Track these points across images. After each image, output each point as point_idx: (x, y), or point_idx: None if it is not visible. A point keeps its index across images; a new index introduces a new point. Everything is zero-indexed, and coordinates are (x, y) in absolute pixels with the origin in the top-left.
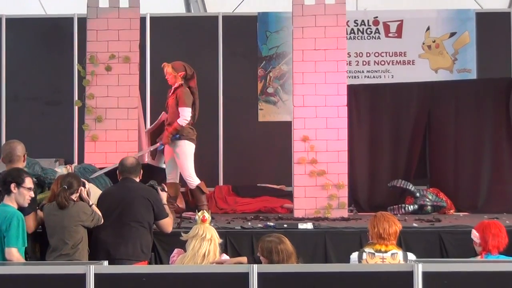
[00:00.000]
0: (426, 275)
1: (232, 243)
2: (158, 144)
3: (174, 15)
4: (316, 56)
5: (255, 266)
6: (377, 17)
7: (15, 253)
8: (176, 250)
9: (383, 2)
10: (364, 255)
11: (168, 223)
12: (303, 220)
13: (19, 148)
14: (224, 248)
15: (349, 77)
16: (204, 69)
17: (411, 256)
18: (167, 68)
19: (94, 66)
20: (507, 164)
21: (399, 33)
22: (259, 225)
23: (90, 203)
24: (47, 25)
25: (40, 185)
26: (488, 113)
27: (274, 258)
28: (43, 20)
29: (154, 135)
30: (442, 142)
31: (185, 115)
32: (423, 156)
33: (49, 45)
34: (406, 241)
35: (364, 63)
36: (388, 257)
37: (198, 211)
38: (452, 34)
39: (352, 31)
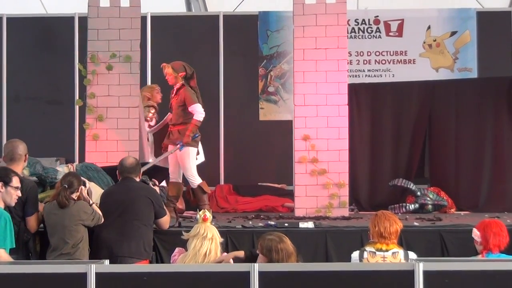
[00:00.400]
0: (427, 274)
1: (233, 242)
2: (178, 146)
3: (175, 14)
4: (317, 55)
5: (256, 265)
6: (378, 16)
7: (2, 254)
8: (177, 249)
9: (384, 1)
10: (365, 254)
11: (166, 221)
12: (304, 219)
13: (21, 148)
14: (225, 247)
15: (350, 76)
16: (204, 68)
17: (412, 255)
18: (167, 69)
19: (95, 65)
20: (508, 163)
21: (400, 32)
22: (260, 224)
23: (91, 202)
24: (48, 24)
25: (42, 184)
26: (489, 112)
27: (273, 257)
28: (44, 19)
29: (158, 136)
30: (443, 141)
31: (199, 110)
32: (424, 155)
33: (50, 44)
34: (407, 240)
35: (365, 62)
36: (389, 256)
37: (199, 210)
38: (453, 33)
39: (353, 30)
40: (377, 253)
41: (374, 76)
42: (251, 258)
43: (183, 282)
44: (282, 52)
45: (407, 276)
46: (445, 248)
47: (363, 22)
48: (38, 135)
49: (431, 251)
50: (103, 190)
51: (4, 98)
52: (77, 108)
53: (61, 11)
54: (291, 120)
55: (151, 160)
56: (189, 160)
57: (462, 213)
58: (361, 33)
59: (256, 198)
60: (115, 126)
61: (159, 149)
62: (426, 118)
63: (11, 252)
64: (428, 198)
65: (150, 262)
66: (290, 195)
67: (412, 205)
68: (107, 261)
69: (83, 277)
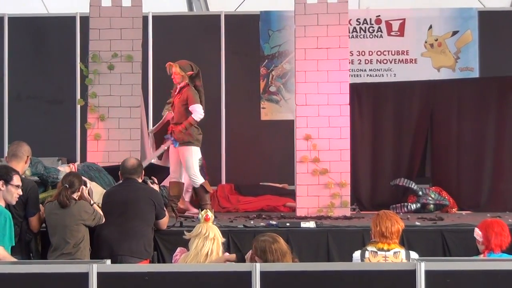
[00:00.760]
0: (428, 274)
1: (234, 242)
2: (170, 141)
3: (176, 14)
4: (319, 54)
5: (258, 265)
6: (379, 15)
7: (1, 251)
8: (179, 249)
9: (386, 1)
10: (367, 254)
11: (165, 222)
12: (305, 218)
13: (25, 148)
14: (227, 247)
15: (352, 76)
16: (206, 67)
17: (413, 254)
18: (175, 68)
19: (97, 65)
20: (510, 163)
21: (401, 31)
22: (262, 224)
23: (92, 202)
24: (50, 24)
25: (43, 184)
26: (491, 111)
27: (268, 258)
28: (45, 19)
29: (158, 135)
30: (444, 141)
31: (199, 111)
32: (425, 155)
33: (51, 44)
34: (408, 240)
35: (367, 61)
36: (391, 256)
37: (201, 210)
38: (455, 33)
39: (354, 30)
40: (379, 252)
41: (376, 75)
42: (242, 261)
43: (184, 282)
44: (284, 51)
45: (409, 275)
46: (447, 248)
47: (365, 22)
48: (40, 134)
49: (432, 251)
50: (104, 190)
51: (6, 98)
52: (78, 107)
53: (62, 11)
54: (293, 120)
55: (153, 160)
56: (191, 159)
57: (463, 212)
58: (362, 32)
59: (258, 198)
60: (116, 126)
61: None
62: (427, 118)
63: (13, 252)
64: (430, 198)
65: (152, 262)
66: (292, 194)
67: (414, 205)
68: (108, 261)
69: (85, 277)
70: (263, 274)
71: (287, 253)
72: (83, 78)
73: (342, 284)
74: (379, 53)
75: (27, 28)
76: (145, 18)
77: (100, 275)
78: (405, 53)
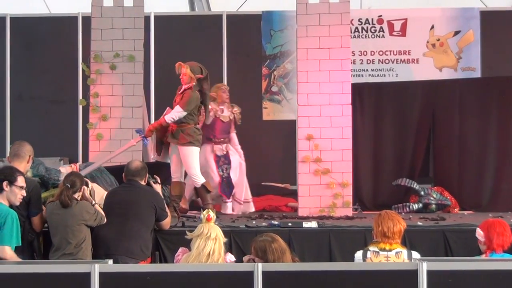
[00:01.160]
0: (430, 274)
1: (236, 242)
2: (139, 137)
3: (178, 14)
4: (320, 54)
5: (260, 264)
6: (381, 15)
7: (8, 251)
8: (180, 249)
9: (387, 1)
10: (369, 254)
11: (167, 223)
12: (307, 218)
13: (27, 148)
14: (229, 247)
15: (354, 76)
16: (208, 68)
17: (415, 254)
18: (185, 69)
19: (99, 65)
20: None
21: (403, 31)
22: (264, 224)
23: (93, 202)
24: (52, 24)
25: (44, 185)
26: (493, 111)
27: (269, 257)
28: (47, 19)
29: (159, 132)
30: (446, 141)
31: (176, 114)
32: (427, 155)
33: (53, 44)
34: (410, 240)
35: (369, 61)
36: (393, 256)
37: (203, 210)
38: (457, 33)
39: (356, 30)
40: (381, 252)
41: (378, 75)
42: None
43: (186, 282)
44: (286, 51)
45: (411, 275)
46: (449, 248)
47: (367, 22)
48: (42, 134)
49: (434, 251)
50: (105, 191)
51: (8, 98)
52: (80, 107)
53: (64, 11)
54: (295, 120)
55: (153, 157)
56: (192, 159)
57: (465, 212)
58: (364, 32)
59: (260, 198)
60: (118, 126)
61: (159, 146)
62: (429, 118)
63: (16, 251)
64: (432, 198)
65: (154, 262)
66: (294, 194)
67: (416, 205)
68: (110, 261)
69: (86, 276)
70: (265, 274)
71: (286, 251)
72: (85, 78)
73: (344, 284)
74: (381, 53)
75: (29, 28)
76: (147, 18)
77: (102, 275)
78: (407, 53)
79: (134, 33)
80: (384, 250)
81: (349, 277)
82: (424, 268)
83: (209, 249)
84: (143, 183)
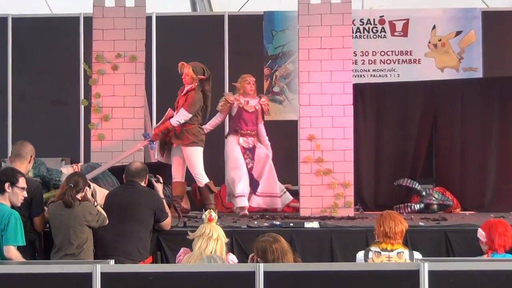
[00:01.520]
0: (432, 274)
1: (238, 242)
2: (146, 141)
3: (180, 14)
4: (322, 55)
5: (261, 265)
6: (383, 16)
7: (13, 251)
8: (182, 249)
9: (389, 1)
10: (370, 254)
11: (167, 223)
12: (309, 219)
13: (29, 148)
14: (231, 247)
15: (355, 76)
16: (209, 68)
17: (417, 255)
18: (187, 70)
19: (100, 65)
20: None
21: (405, 32)
22: (265, 224)
23: (95, 203)
24: (53, 24)
25: (46, 186)
26: (494, 111)
27: (269, 258)
28: (49, 19)
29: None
30: (448, 141)
31: (181, 118)
32: (429, 155)
33: (55, 44)
34: (412, 240)
35: (370, 62)
36: (394, 256)
37: (205, 210)
38: (458, 33)
39: (358, 30)
40: (382, 253)
41: (379, 76)
42: None
43: (188, 282)
44: (287, 52)
45: (412, 276)
46: (450, 248)
47: (368, 22)
48: (43, 135)
49: (436, 251)
50: (107, 191)
51: (10, 98)
52: (82, 108)
53: (66, 11)
54: (296, 120)
55: (156, 157)
56: (196, 159)
57: (467, 213)
58: (366, 33)
59: None
60: (120, 126)
61: (162, 147)
62: (431, 118)
63: (19, 251)
64: (433, 198)
65: (155, 262)
66: (295, 195)
67: (417, 205)
68: (112, 261)
69: (88, 277)
70: (267, 274)
71: (288, 252)
72: (86, 78)
73: (345, 285)
74: (382, 53)
75: (30, 29)
76: (148, 19)
77: (103, 275)
78: (408, 53)
79: (136, 34)
80: (385, 250)
81: (351, 277)
82: (425, 268)
83: (211, 249)
84: (143, 184)
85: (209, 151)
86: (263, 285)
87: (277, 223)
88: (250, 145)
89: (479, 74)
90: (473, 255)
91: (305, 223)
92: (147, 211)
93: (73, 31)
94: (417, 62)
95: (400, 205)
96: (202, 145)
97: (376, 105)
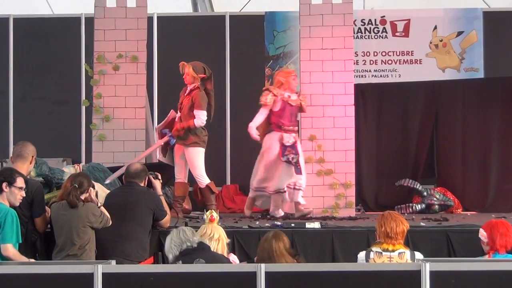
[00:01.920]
0: (433, 274)
1: (239, 243)
2: (167, 137)
3: (181, 14)
4: (323, 55)
5: (263, 265)
6: (384, 16)
7: (10, 249)
8: None
9: (390, 2)
10: (372, 254)
11: (166, 221)
12: (310, 219)
13: (30, 148)
14: (232, 248)
15: (356, 76)
16: (211, 68)
17: (418, 255)
18: (188, 69)
19: (102, 66)
20: None
21: (406, 32)
22: (267, 224)
23: (99, 204)
24: (55, 25)
25: (48, 185)
26: (496, 112)
27: (262, 255)
28: (50, 20)
29: (163, 134)
30: (449, 141)
31: (202, 117)
32: (430, 155)
33: (56, 44)
34: (413, 240)
35: (371, 62)
36: (396, 256)
37: (206, 211)
38: (460, 33)
39: (359, 30)
40: (384, 253)
41: (381, 76)
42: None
43: (189, 282)
44: (289, 52)
45: (414, 276)
46: (452, 248)
47: (370, 22)
48: (45, 135)
49: (437, 251)
50: (108, 191)
51: (11, 98)
52: (83, 108)
53: (67, 11)
54: (298, 121)
55: (159, 157)
56: (198, 160)
57: (468, 213)
58: (367, 33)
59: None
60: (121, 127)
61: (164, 148)
62: (432, 118)
63: (20, 251)
64: (435, 198)
65: (157, 263)
66: None
67: (419, 205)
68: (113, 261)
69: (90, 277)
70: (268, 274)
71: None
72: (88, 79)
73: (347, 285)
74: (384, 53)
75: (32, 29)
76: (150, 19)
77: (105, 275)
78: (410, 54)
79: (137, 34)
80: (387, 250)
81: (352, 277)
82: (427, 268)
83: (212, 249)
84: (142, 185)
85: (210, 151)
86: (265, 285)
87: (279, 223)
88: (292, 141)
89: (480, 74)
90: (475, 256)
91: (306, 223)
92: (146, 211)
93: (74, 31)
94: (418, 62)
95: (402, 206)
96: (204, 146)
97: (377, 105)
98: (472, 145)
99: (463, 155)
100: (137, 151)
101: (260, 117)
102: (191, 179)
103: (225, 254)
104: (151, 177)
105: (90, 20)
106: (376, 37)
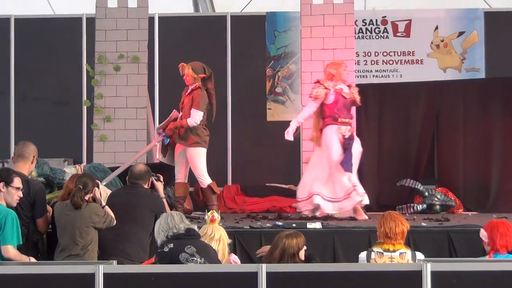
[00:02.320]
0: (434, 275)
1: (240, 243)
2: (160, 137)
3: (182, 14)
4: (325, 55)
5: (264, 265)
6: (385, 16)
7: (11, 250)
8: None
9: (392, 2)
10: (373, 255)
11: None
12: (311, 219)
13: (31, 148)
14: (233, 248)
15: (358, 77)
16: (212, 68)
17: (419, 255)
18: (187, 70)
19: (103, 66)
20: None
21: (407, 32)
22: (268, 224)
23: (103, 204)
24: (56, 25)
25: (49, 185)
26: (497, 112)
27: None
28: (51, 20)
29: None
30: (450, 141)
31: (196, 117)
32: (431, 155)
33: (57, 45)
34: (414, 241)
35: (373, 62)
36: (397, 257)
37: (208, 211)
38: (461, 33)
39: (360, 31)
40: (385, 253)
41: (382, 76)
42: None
43: (190, 282)
44: (290, 52)
45: (415, 276)
46: (453, 249)
47: (371, 23)
48: (46, 135)
49: (438, 252)
50: (110, 191)
51: (12, 99)
52: (85, 108)
53: (68, 12)
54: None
55: (159, 157)
56: (199, 160)
57: (470, 213)
58: (368, 33)
59: (264, 199)
60: (122, 127)
61: (165, 148)
62: (433, 119)
63: (21, 252)
64: (436, 199)
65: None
66: None
67: (420, 206)
68: (115, 262)
69: (91, 277)
70: (269, 275)
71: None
72: (89, 79)
73: (348, 285)
74: (385, 54)
75: (33, 29)
76: (151, 19)
77: (106, 275)
78: (411, 54)
79: (138, 34)
80: (388, 251)
81: (353, 278)
82: (428, 269)
83: None
84: (146, 186)
85: (211, 151)
86: (266, 286)
87: (280, 223)
88: (349, 134)
89: (481, 74)
90: (476, 256)
91: (307, 223)
92: (148, 213)
93: (75, 31)
94: (419, 62)
95: (403, 206)
96: (205, 146)
97: (378, 105)
98: (473, 145)
99: (464, 155)
100: (138, 151)
101: (307, 110)
102: (192, 179)
103: (226, 255)
104: (153, 179)
105: (91, 21)
106: (377, 37)
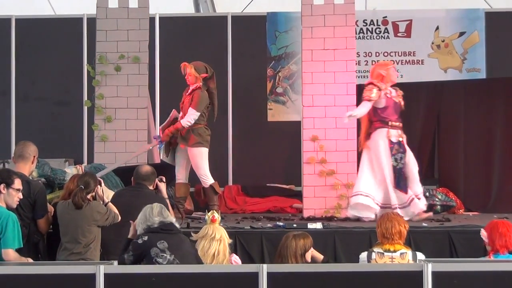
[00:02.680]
0: (435, 275)
1: (241, 243)
2: (156, 142)
3: (183, 15)
4: (325, 56)
5: (265, 265)
6: (386, 16)
7: (12, 254)
8: None
9: (392, 2)
10: (373, 255)
11: None
12: (312, 220)
13: (31, 148)
14: (234, 248)
15: (358, 77)
16: (213, 69)
17: (420, 255)
18: (189, 69)
19: (104, 66)
20: None
21: (408, 32)
22: (269, 225)
23: (106, 201)
24: (57, 25)
25: (50, 185)
26: (498, 112)
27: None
28: (52, 20)
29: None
30: (451, 142)
31: (191, 117)
32: (432, 156)
33: (58, 45)
34: (415, 241)
35: (373, 62)
36: (397, 257)
37: (208, 211)
38: (461, 34)
39: (361, 31)
40: (385, 254)
41: None
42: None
43: (191, 283)
44: (291, 53)
45: (416, 276)
46: (454, 249)
47: (372, 23)
48: (47, 136)
49: (439, 252)
50: (111, 191)
51: (13, 99)
52: (85, 109)
53: (69, 12)
54: (300, 121)
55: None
56: (202, 160)
57: (470, 213)
58: (369, 33)
59: (265, 199)
60: (123, 127)
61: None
62: (434, 119)
63: (21, 253)
64: (437, 199)
65: None
66: (299, 196)
67: None
68: (115, 262)
69: (92, 277)
70: (270, 275)
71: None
72: (90, 79)
73: (348, 285)
74: (386, 54)
75: (34, 30)
76: (152, 19)
77: (107, 276)
78: (412, 54)
79: (139, 35)
80: (388, 251)
81: (354, 278)
82: (429, 269)
83: (214, 250)
84: (151, 188)
85: (212, 151)
86: (267, 286)
87: (281, 224)
88: (399, 139)
89: (482, 75)
90: (477, 256)
91: (308, 224)
92: None
93: (76, 32)
94: (420, 63)
95: None
96: (207, 145)
97: None
98: (474, 145)
99: (465, 155)
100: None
101: (362, 109)
102: (192, 179)
103: (227, 255)
104: (156, 180)
105: (92, 21)
106: (378, 37)
